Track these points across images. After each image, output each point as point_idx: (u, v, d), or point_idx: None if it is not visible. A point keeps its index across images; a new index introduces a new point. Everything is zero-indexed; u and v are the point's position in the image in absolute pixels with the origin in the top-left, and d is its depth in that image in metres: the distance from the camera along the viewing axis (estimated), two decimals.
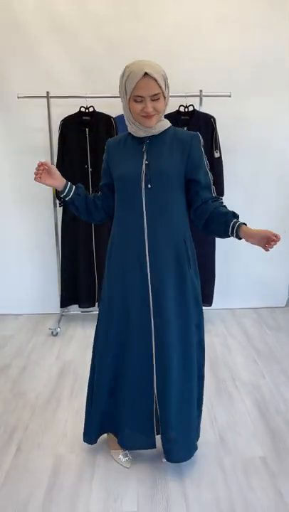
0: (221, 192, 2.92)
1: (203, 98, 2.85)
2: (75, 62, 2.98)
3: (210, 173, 1.62)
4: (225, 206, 1.58)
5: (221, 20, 2.92)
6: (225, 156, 2.92)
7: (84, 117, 2.84)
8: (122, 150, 1.63)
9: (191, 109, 2.85)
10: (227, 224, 1.49)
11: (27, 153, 3.10)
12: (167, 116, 2.81)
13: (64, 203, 1.63)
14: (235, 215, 1.52)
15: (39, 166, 1.59)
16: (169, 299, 1.62)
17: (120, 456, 1.86)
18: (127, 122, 1.60)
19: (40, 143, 3.04)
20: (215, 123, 2.83)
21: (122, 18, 2.92)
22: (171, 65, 2.89)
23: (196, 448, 1.81)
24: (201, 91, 2.83)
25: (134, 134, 1.60)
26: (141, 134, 1.58)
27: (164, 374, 1.66)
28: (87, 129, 2.84)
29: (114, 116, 2.84)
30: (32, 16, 2.89)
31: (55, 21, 2.91)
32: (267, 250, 1.44)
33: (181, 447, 1.76)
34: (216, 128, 2.84)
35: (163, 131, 1.59)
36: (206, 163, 1.61)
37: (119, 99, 2.88)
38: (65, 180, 1.66)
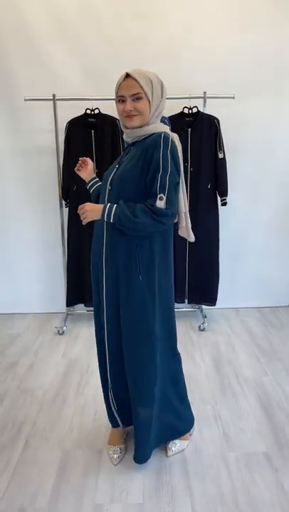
0: (224, 192, 2.95)
1: (207, 99, 2.89)
2: (81, 64, 3.02)
3: (167, 177, 1.50)
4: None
5: (224, 21, 2.95)
6: (229, 156, 2.95)
7: (89, 119, 2.89)
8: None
9: (195, 110, 2.89)
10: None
11: (34, 154, 3.15)
12: (172, 118, 2.88)
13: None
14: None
15: (82, 161, 1.86)
16: (114, 299, 1.67)
17: (110, 452, 1.90)
18: (124, 128, 1.67)
19: (47, 144, 3.09)
20: (219, 124, 2.87)
21: (126, 21, 2.96)
22: (175, 67, 2.98)
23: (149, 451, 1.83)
24: (204, 93, 2.86)
25: (126, 139, 1.68)
26: (128, 139, 1.66)
27: (112, 364, 1.77)
28: (92, 131, 2.89)
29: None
30: (38, 20, 2.93)
31: (60, 25, 2.95)
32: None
33: (137, 447, 1.80)
34: (220, 129, 2.87)
35: (148, 136, 1.59)
36: (168, 164, 1.51)
37: None
38: (94, 175, 1.88)
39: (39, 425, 2.11)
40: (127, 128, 1.63)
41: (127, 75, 1.54)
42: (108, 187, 1.63)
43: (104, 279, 1.67)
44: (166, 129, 1.62)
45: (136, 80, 1.52)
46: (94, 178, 1.88)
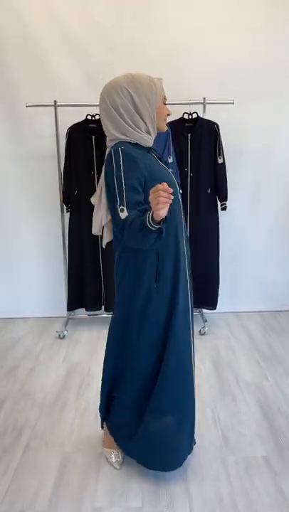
0: (224, 197, 2.97)
1: (207, 105, 2.91)
2: (82, 70, 3.05)
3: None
4: None
5: (224, 27, 2.99)
6: (228, 161, 2.97)
7: (90, 125, 2.92)
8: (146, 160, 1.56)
9: (194, 116, 2.92)
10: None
11: (35, 159, 3.18)
12: (172, 124, 2.91)
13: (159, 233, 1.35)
14: None
15: (168, 192, 1.26)
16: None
17: (112, 456, 1.88)
18: (143, 133, 1.58)
19: (48, 150, 3.11)
20: (218, 129, 2.89)
21: (126, 27, 2.99)
22: (176, 73, 3.00)
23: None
24: (204, 98, 2.89)
25: (146, 144, 1.60)
26: (148, 144, 1.61)
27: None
28: (93, 137, 2.91)
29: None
30: (40, 27, 2.97)
31: (61, 32, 2.99)
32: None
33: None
34: (220, 134, 2.90)
35: None
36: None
37: None
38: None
39: (39, 428, 2.12)
40: (158, 131, 1.64)
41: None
42: (180, 191, 1.70)
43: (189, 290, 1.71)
44: None
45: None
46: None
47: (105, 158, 1.58)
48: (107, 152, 1.59)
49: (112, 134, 1.58)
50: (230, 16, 2.99)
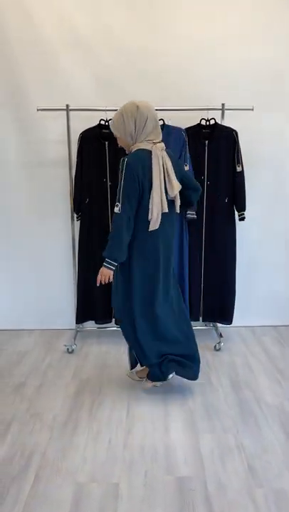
0: (243, 207, 2.84)
1: (225, 111, 2.80)
2: (94, 75, 2.96)
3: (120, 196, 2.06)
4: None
5: (243, 32, 2.90)
6: (247, 170, 2.85)
7: (104, 130, 2.79)
8: None
9: (212, 122, 2.80)
10: None
11: (46, 165, 3.07)
12: (189, 130, 2.79)
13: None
14: None
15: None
16: None
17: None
18: None
19: (59, 156, 3.00)
20: (237, 136, 2.77)
21: (140, 31, 2.91)
22: (192, 78, 2.90)
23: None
24: (223, 104, 2.78)
25: None
26: None
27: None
28: (106, 143, 2.79)
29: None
30: (51, 31, 2.89)
31: (73, 36, 2.90)
32: None
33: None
34: (239, 141, 2.78)
35: None
36: (120, 189, 2.07)
37: None
38: None
39: (50, 455, 1.97)
40: None
41: None
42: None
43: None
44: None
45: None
46: None
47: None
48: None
49: None
50: (250, 20, 2.89)
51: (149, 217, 2.10)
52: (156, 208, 2.09)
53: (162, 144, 2.15)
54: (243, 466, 1.89)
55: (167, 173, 2.12)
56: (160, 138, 2.16)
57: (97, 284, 2.18)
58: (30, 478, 1.82)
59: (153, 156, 2.07)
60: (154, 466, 1.89)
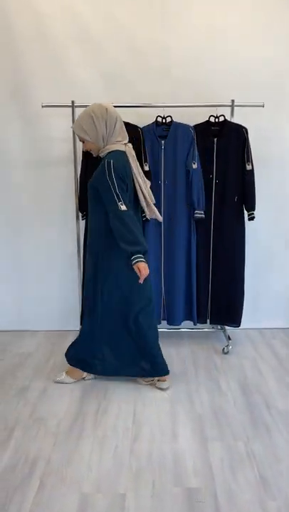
0: (252, 206, 2.77)
1: (235, 108, 2.72)
2: (101, 71, 2.89)
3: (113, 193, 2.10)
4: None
5: (253, 29, 2.82)
6: (257, 168, 2.77)
7: None
8: None
9: (221, 119, 2.72)
10: None
11: (51, 163, 3.01)
12: (197, 127, 2.71)
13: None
14: None
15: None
16: None
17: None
18: None
19: (64, 153, 2.94)
20: (247, 134, 2.69)
21: (148, 27, 2.83)
22: (201, 74, 2.83)
23: None
24: (232, 101, 2.70)
25: None
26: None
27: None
28: None
29: (141, 127, 2.72)
30: (57, 26, 2.82)
31: (80, 31, 2.83)
32: None
33: None
34: (248, 139, 2.70)
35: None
36: (113, 189, 2.10)
37: (146, 108, 2.77)
38: None
39: (54, 462, 1.90)
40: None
41: None
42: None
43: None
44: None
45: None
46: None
47: None
48: None
49: None
50: (260, 17, 2.82)
51: (149, 217, 2.37)
52: (151, 202, 2.31)
53: (130, 144, 2.27)
54: (254, 475, 1.82)
55: (138, 171, 2.26)
56: (127, 139, 2.27)
57: (141, 282, 2.15)
58: (34, 486, 1.76)
59: (129, 157, 2.20)
60: (162, 476, 1.82)
